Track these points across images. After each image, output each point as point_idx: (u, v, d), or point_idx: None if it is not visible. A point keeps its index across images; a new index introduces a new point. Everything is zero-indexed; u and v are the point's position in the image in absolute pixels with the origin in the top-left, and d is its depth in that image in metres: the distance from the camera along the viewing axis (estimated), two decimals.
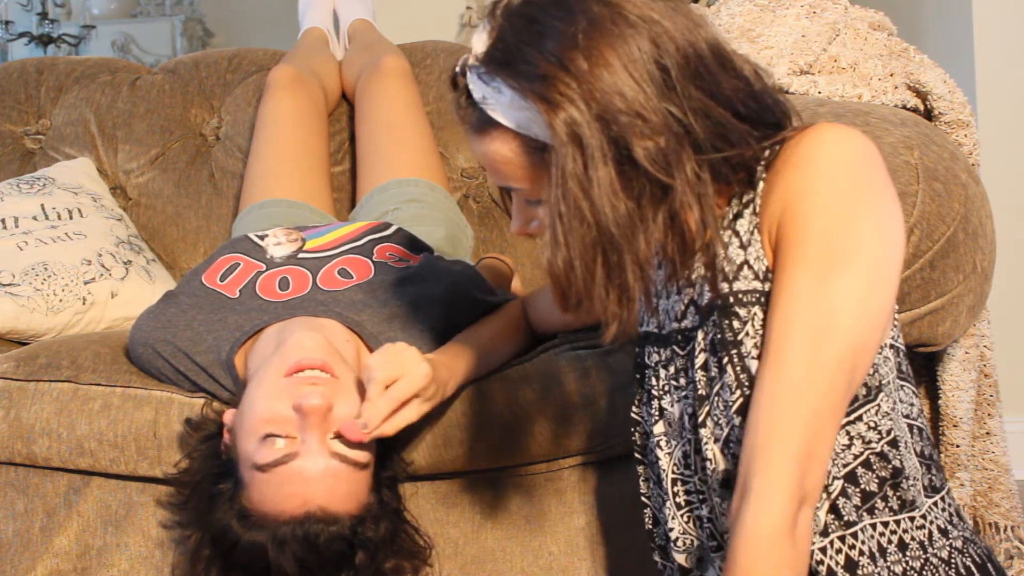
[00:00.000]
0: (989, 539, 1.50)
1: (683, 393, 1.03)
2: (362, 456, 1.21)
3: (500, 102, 0.92)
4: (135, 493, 1.40)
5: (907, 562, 0.96)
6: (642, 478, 1.13)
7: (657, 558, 1.13)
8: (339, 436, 1.19)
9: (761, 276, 0.95)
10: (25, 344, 1.65)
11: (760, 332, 0.94)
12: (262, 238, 1.55)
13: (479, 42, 0.94)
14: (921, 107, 1.50)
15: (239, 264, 1.50)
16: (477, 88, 0.93)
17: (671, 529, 1.07)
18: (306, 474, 1.17)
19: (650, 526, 1.13)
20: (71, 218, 1.87)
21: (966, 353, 1.44)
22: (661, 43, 0.89)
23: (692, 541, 1.06)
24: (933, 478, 1.01)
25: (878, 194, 0.91)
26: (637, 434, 1.12)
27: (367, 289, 1.44)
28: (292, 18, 2.51)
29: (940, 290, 1.31)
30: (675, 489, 1.06)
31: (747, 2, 1.66)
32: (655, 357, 1.08)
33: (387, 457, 1.28)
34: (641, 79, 0.88)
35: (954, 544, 0.99)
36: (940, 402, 1.45)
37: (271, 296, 1.44)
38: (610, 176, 0.87)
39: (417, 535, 1.30)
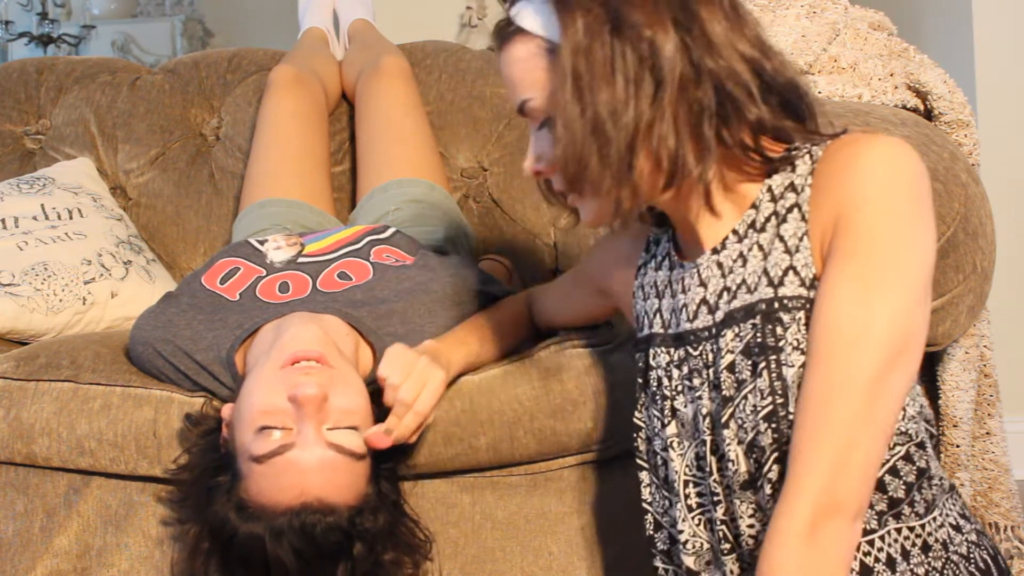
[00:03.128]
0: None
1: (697, 393, 1.03)
2: (359, 447, 1.20)
3: (525, 9, 1.00)
4: (135, 493, 1.40)
5: (930, 563, 0.97)
6: (643, 484, 1.13)
7: (658, 563, 1.13)
8: (335, 429, 1.20)
9: (808, 283, 0.95)
10: (25, 344, 1.65)
11: (802, 341, 0.94)
12: (262, 243, 1.55)
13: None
14: (921, 107, 1.50)
15: (239, 268, 1.50)
16: (514, 7, 1.01)
17: (681, 532, 1.07)
18: (302, 465, 1.17)
19: (651, 532, 1.13)
20: (71, 218, 1.87)
21: (966, 353, 1.44)
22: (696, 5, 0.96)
23: (703, 544, 1.06)
24: (944, 477, 1.02)
25: (926, 215, 0.93)
26: (639, 440, 1.13)
27: (365, 289, 1.44)
28: (292, 18, 2.52)
29: (940, 290, 1.31)
30: (687, 491, 1.06)
31: (747, 2, 1.66)
32: (664, 358, 1.08)
33: (386, 448, 1.28)
34: (660, 5, 0.95)
35: (969, 538, 1.00)
36: (940, 402, 1.45)
37: (271, 299, 1.44)
38: (607, 64, 0.94)
39: (417, 528, 1.30)
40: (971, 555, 0.99)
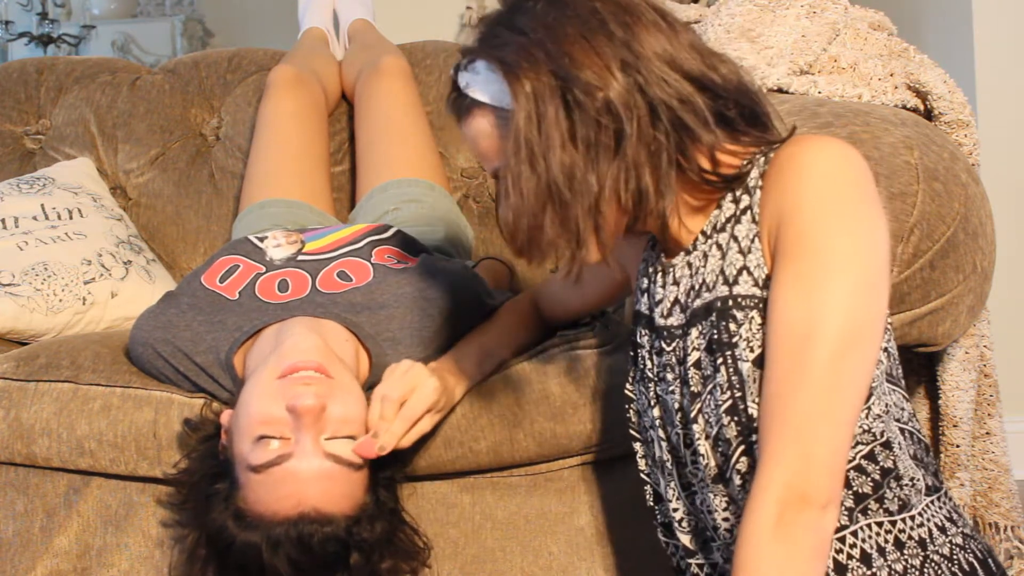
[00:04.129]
0: (989, 539, 1.50)
1: (670, 388, 1.06)
2: (356, 457, 1.20)
3: (476, 81, 0.99)
4: (135, 493, 1.40)
5: (907, 560, 0.97)
6: (639, 455, 1.15)
7: (660, 536, 1.15)
8: (333, 439, 1.19)
9: (760, 283, 0.98)
10: (25, 344, 1.65)
11: (755, 337, 0.97)
12: (262, 240, 1.55)
13: (468, 39, 1.02)
14: (921, 107, 1.50)
15: (239, 266, 1.50)
16: (461, 77, 1.01)
17: (675, 510, 1.09)
18: (300, 475, 1.17)
19: (651, 503, 1.15)
20: (71, 218, 1.87)
21: (966, 353, 1.44)
22: (634, 32, 0.97)
23: (696, 523, 1.08)
24: (928, 479, 1.02)
25: (867, 210, 0.95)
26: (631, 411, 1.15)
27: (365, 292, 1.44)
28: (292, 18, 2.51)
29: (940, 290, 1.31)
30: (676, 471, 1.08)
31: (747, 2, 1.66)
32: (646, 340, 1.10)
33: (384, 457, 1.28)
34: (599, 45, 0.95)
35: (954, 540, 1.00)
36: (940, 402, 1.45)
37: (270, 298, 1.44)
38: (561, 127, 0.94)
39: (415, 535, 1.30)
40: (954, 556, 0.99)
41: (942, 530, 1.00)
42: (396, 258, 1.52)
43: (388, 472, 1.28)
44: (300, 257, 1.52)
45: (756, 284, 0.98)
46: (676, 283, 1.06)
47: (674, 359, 1.05)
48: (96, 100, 2.16)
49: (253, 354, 1.36)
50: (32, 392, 1.40)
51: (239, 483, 1.21)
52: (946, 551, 0.99)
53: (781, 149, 0.99)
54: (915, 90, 1.50)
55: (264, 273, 1.48)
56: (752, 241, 0.99)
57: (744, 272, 0.99)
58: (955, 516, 1.02)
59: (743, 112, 1.00)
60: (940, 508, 1.01)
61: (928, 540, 0.98)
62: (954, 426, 1.45)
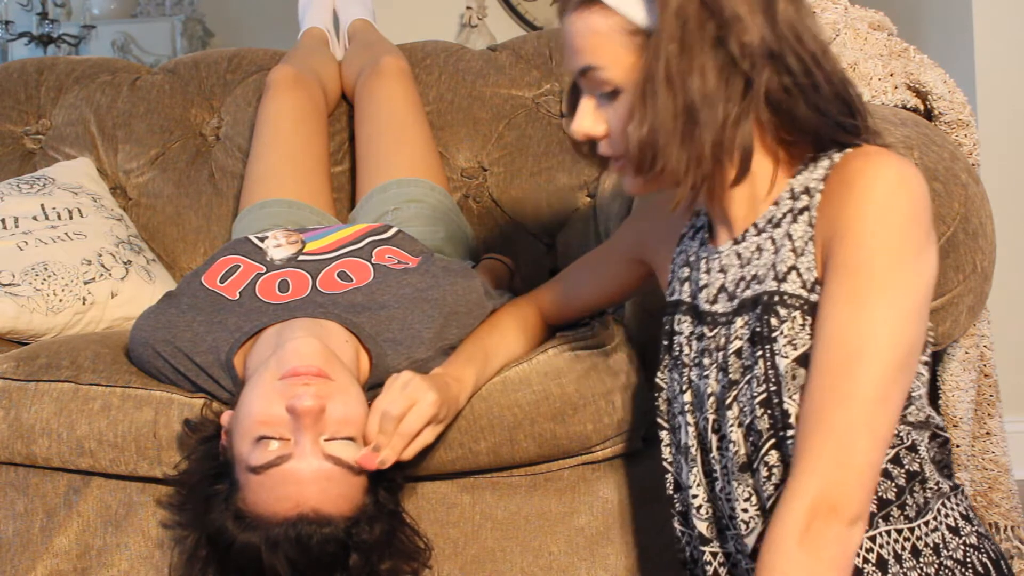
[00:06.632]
0: None
1: (705, 373, 1.08)
2: (356, 458, 1.20)
3: None
4: (135, 493, 1.40)
5: (922, 568, 0.98)
6: (664, 443, 1.16)
7: (677, 525, 1.16)
8: (332, 440, 1.20)
9: (808, 286, 1.00)
10: (25, 344, 1.65)
11: (797, 336, 0.99)
12: (262, 240, 1.54)
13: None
14: (921, 107, 1.50)
15: (239, 266, 1.50)
16: None
17: (695, 496, 1.10)
18: (299, 476, 1.17)
19: (671, 491, 1.16)
20: (71, 218, 1.87)
21: (966, 353, 1.44)
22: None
23: (713, 511, 1.10)
24: (947, 481, 1.03)
25: (923, 236, 0.97)
26: (660, 399, 1.16)
27: (366, 292, 1.44)
28: (292, 18, 2.51)
29: (940, 290, 1.31)
30: (701, 458, 1.10)
31: None
32: (686, 327, 1.13)
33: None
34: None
35: (968, 541, 1.00)
36: (940, 402, 1.45)
37: (271, 298, 1.44)
38: (704, 55, 0.96)
39: (416, 536, 1.30)
40: (968, 560, 0.99)
41: (955, 531, 1.00)
42: (397, 258, 1.52)
43: (388, 473, 1.28)
44: (301, 257, 1.52)
45: (804, 286, 1.00)
46: (723, 271, 1.09)
47: (714, 345, 1.08)
48: (96, 100, 2.16)
49: (253, 355, 1.36)
50: (32, 392, 1.40)
51: (239, 484, 1.21)
52: (959, 555, 0.99)
53: (846, 157, 1.01)
54: (915, 90, 1.50)
55: (264, 273, 1.48)
56: (807, 243, 1.01)
57: (794, 272, 1.01)
58: (970, 514, 1.03)
59: (842, 102, 1.02)
60: (956, 506, 1.02)
61: (942, 545, 0.99)
62: (954, 426, 1.45)
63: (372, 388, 1.35)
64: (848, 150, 1.02)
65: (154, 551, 1.39)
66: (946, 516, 1.00)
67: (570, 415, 1.36)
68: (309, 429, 1.18)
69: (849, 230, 0.96)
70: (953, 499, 1.02)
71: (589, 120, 1.06)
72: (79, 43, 5.56)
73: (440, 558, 1.37)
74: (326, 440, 1.19)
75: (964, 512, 1.02)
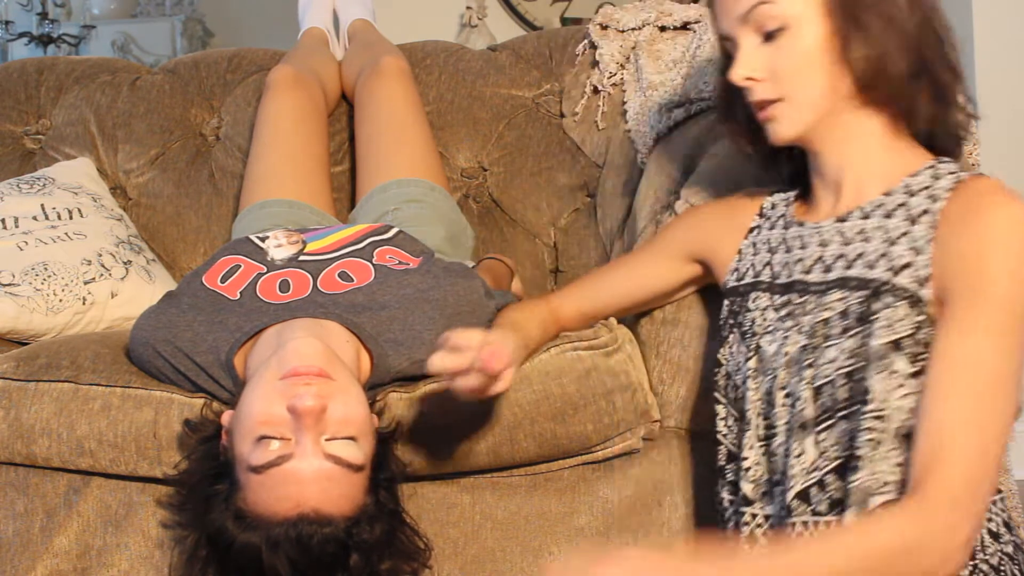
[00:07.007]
0: None
1: (786, 335, 1.12)
2: (357, 458, 1.21)
3: None
4: (135, 493, 1.40)
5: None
6: (719, 417, 1.21)
7: (725, 494, 1.19)
8: (333, 440, 1.19)
9: (920, 281, 1.04)
10: (25, 344, 1.65)
11: (898, 323, 1.04)
12: (263, 240, 1.54)
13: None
14: None
15: (240, 266, 1.50)
16: None
17: (745, 458, 1.14)
18: (299, 476, 1.17)
19: (723, 463, 1.20)
20: (71, 218, 1.87)
21: None
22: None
23: (762, 473, 1.13)
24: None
25: None
26: (720, 374, 1.22)
27: (367, 292, 1.44)
28: (292, 18, 2.51)
29: None
30: (757, 421, 1.14)
31: None
32: (764, 301, 1.17)
33: (385, 458, 1.28)
34: None
35: (1005, 550, 1.01)
36: None
37: (271, 298, 1.44)
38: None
39: (416, 536, 1.30)
40: (1002, 567, 0.99)
41: (996, 536, 1.01)
42: (398, 259, 1.52)
43: (388, 473, 1.28)
44: (301, 257, 1.52)
45: (917, 282, 1.04)
46: (823, 244, 1.14)
47: (800, 311, 1.12)
48: (96, 100, 2.16)
49: (254, 355, 1.36)
50: (32, 392, 1.40)
51: (239, 484, 1.21)
52: (995, 561, 1.00)
53: (975, 182, 1.06)
54: None
55: (265, 273, 1.48)
56: (927, 244, 1.05)
57: (910, 267, 1.06)
58: (1011, 523, 1.03)
59: (955, 118, 1.12)
60: (999, 512, 1.02)
61: (979, 548, 0.99)
62: None
63: (373, 388, 1.35)
64: (973, 173, 1.08)
65: (154, 551, 1.39)
66: (988, 520, 1.01)
67: (570, 415, 1.36)
68: (310, 429, 1.18)
69: (983, 260, 1.01)
70: (999, 503, 1.02)
71: (755, 60, 1.10)
72: (79, 43, 5.56)
73: (440, 558, 1.37)
74: (327, 440, 1.19)
75: (1007, 520, 1.03)
